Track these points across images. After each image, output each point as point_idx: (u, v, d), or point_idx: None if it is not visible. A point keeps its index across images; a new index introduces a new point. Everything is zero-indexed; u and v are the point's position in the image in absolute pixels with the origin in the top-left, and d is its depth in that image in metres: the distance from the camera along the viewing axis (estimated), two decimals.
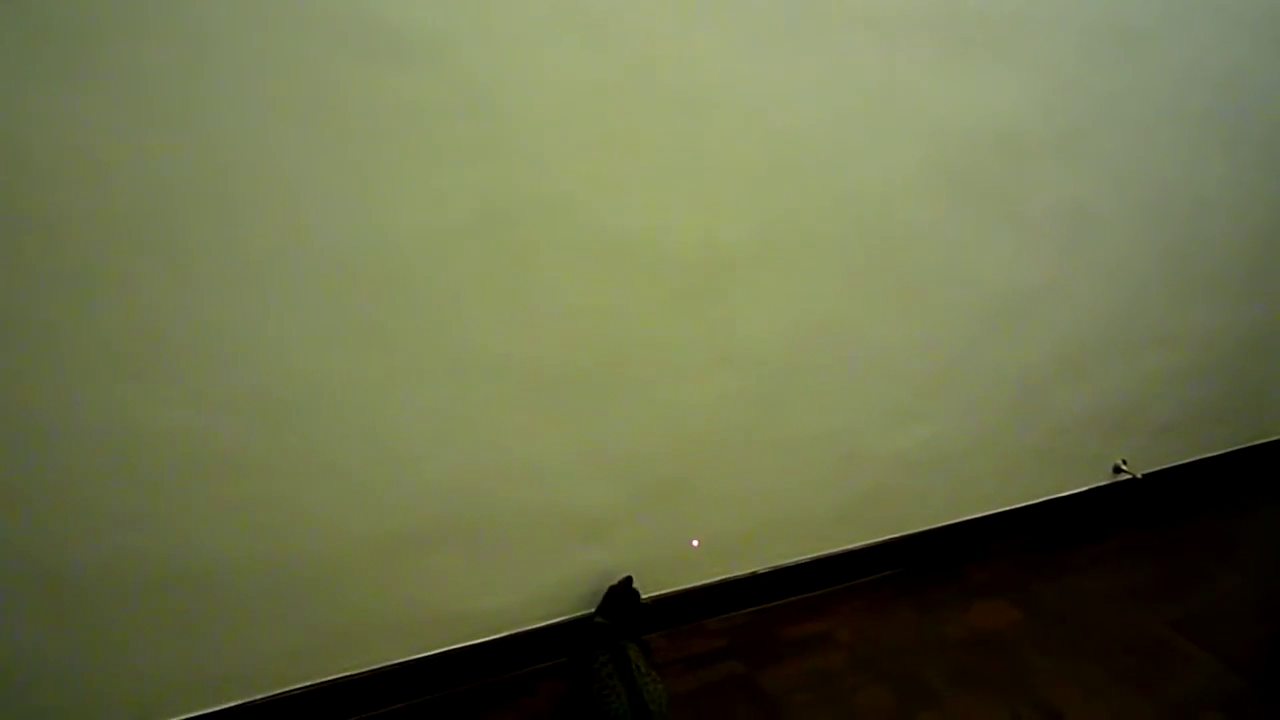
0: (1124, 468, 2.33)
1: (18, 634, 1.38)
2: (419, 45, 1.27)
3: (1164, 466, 2.43)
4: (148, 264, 1.24)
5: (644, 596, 1.82)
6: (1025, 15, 1.65)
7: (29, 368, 1.23)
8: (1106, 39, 1.75)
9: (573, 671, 1.67)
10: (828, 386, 1.83)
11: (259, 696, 1.59)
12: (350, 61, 1.24)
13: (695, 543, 1.82)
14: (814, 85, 1.54)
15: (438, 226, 1.38)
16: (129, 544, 1.39)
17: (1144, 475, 2.35)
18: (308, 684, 1.62)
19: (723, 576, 1.94)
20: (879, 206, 1.69)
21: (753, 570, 1.96)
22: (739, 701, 1.71)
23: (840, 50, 1.53)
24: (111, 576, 1.40)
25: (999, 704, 1.70)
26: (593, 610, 1.76)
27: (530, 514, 1.67)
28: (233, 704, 1.57)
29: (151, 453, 1.35)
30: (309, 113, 1.25)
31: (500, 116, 1.36)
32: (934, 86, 1.63)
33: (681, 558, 1.87)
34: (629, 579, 1.72)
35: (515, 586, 1.71)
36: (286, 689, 1.60)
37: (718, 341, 1.68)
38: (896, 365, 1.88)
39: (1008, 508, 2.24)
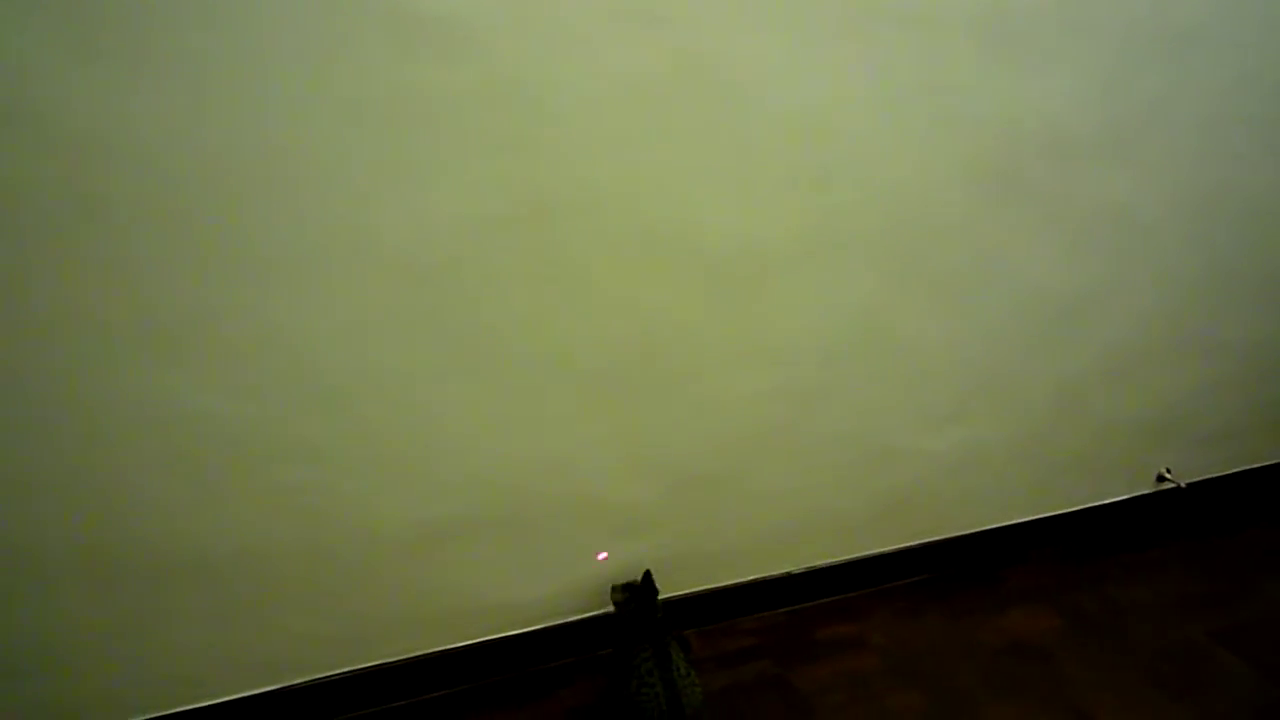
0: (1168, 476, 2.29)
1: (63, 615, 1.42)
2: (460, 37, 1.28)
3: (1209, 476, 2.39)
4: (192, 252, 1.27)
5: (679, 593, 1.83)
6: (1070, 15, 1.63)
7: (77, 353, 1.27)
8: (1155, 41, 1.72)
9: (614, 664, 1.67)
10: (864, 386, 1.82)
11: (299, 681, 1.62)
12: (393, 53, 1.25)
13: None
14: (856, 83, 1.53)
15: (477, 219, 1.40)
16: (173, 527, 1.42)
17: (1188, 485, 2.31)
18: (345, 670, 1.65)
19: (757, 576, 1.94)
20: (919, 205, 1.68)
21: (787, 570, 1.96)
22: (771, 701, 1.71)
23: (883, 48, 1.52)
24: (155, 559, 1.44)
25: (1035, 712, 1.69)
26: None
27: (567, 507, 1.68)
28: (274, 688, 1.60)
29: (195, 438, 1.38)
30: (353, 104, 1.26)
31: (541, 109, 1.37)
32: (977, 85, 1.62)
33: (715, 555, 1.87)
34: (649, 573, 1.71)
35: (552, 579, 1.73)
36: (324, 675, 1.63)
37: (755, 338, 1.68)
38: (934, 365, 1.87)
39: (1047, 514, 2.21)
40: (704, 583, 1.89)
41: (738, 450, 1.77)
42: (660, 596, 1.77)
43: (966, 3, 1.54)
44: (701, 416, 1.70)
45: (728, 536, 1.86)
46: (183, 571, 1.46)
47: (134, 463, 1.37)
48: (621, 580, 1.74)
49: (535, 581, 1.72)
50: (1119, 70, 1.72)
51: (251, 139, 1.24)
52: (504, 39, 1.30)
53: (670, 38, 1.38)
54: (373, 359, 1.43)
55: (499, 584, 1.69)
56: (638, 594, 1.66)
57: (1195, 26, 1.74)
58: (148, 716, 1.54)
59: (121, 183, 1.20)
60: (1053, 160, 1.75)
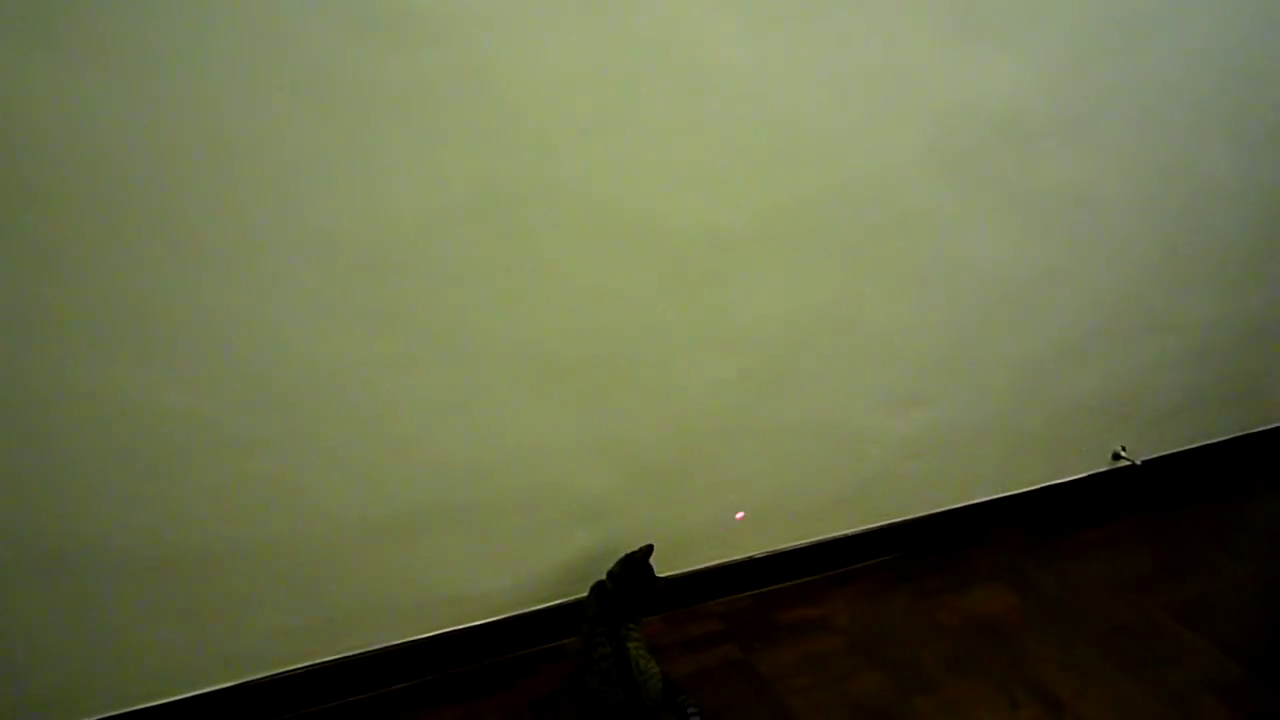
0: (1123, 454, 2.33)
1: (18, 614, 1.39)
2: (420, 25, 1.26)
3: (1164, 453, 2.43)
4: (146, 243, 1.24)
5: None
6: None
7: (27, 347, 1.24)
8: (1111, 23, 1.73)
9: (577, 652, 1.65)
10: (827, 371, 1.83)
11: (259, 676, 1.60)
12: (351, 41, 1.23)
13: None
14: (815, 67, 1.53)
15: (438, 209, 1.38)
16: (128, 523, 1.40)
17: (1143, 462, 2.35)
18: (307, 664, 1.63)
19: (720, 560, 1.95)
20: (879, 190, 1.68)
21: (750, 554, 1.97)
22: (735, 685, 1.72)
23: (841, 32, 1.52)
24: (111, 555, 1.41)
25: (996, 689, 1.71)
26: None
27: (529, 497, 1.68)
28: (233, 683, 1.58)
29: (150, 433, 1.36)
30: (309, 93, 1.24)
31: (500, 98, 1.35)
32: (935, 69, 1.62)
33: (679, 541, 1.87)
34: (649, 548, 1.68)
35: (513, 569, 1.72)
36: (286, 669, 1.62)
37: (717, 325, 1.67)
38: (896, 350, 1.88)
39: (1006, 493, 2.24)
40: (668, 568, 1.88)
41: (701, 437, 1.77)
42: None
43: None
44: (664, 404, 1.70)
45: (691, 522, 1.86)
46: (142, 567, 1.44)
47: (91, 458, 1.34)
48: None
49: (498, 571, 1.71)
50: (1076, 54, 1.73)
51: (208, 130, 1.21)
52: (463, 28, 1.28)
53: (630, 24, 1.37)
54: (332, 350, 1.41)
55: (461, 574, 1.68)
56: (633, 569, 1.65)
57: (1151, 11, 1.75)
58: (106, 714, 1.52)
59: (75, 176, 1.17)
60: (1011, 144, 1.76)
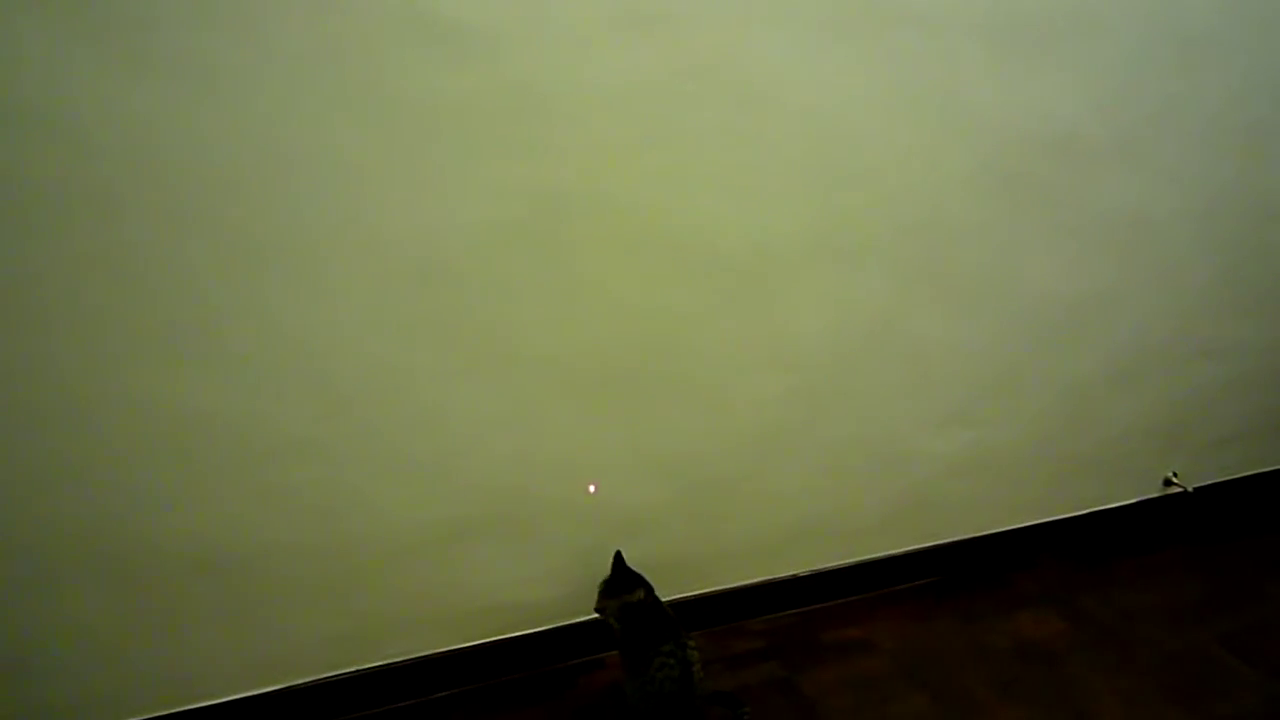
0: (1175, 480, 2.29)
1: (67, 615, 1.41)
2: (474, 41, 1.28)
3: (1216, 480, 2.38)
4: (207, 253, 1.27)
5: (686, 595, 1.85)
6: (1081, 19, 1.62)
7: (90, 351, 1.27)
8: (1166, 44, 1.72)
9: (627, 661, 1.61)
10: (875, 389, 1.82)
11: (303, 680, 1.61)
12: (406, 57, 1.25)
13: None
14: (867, 86, 1.53)
15: (490, 222, 1.40)
16: (181, 526, 1.42)
17: (1195, 488, 2.30)
18: (350, 670, 1.64)
19: (763, 578, 1.93)
20: (931, 209, 1.68)
21: (794, 572, 1.95)
22: (778, 703, 1.70)
23: (894, 51, 1.52)
24: (164, 557, 1.43)
25: (1042, 716, 1.68)
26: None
27: (576, 509, 1.68)
28: (277, 687, 1.60)
29: (205, 437, 1.38)
30: (365, 107, 1.27)
31: (553, 113, 1.36)
32: (989, 88, 1.61)
33: (722, 557, 1.87)
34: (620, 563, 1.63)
35: (560, 580, 1.72)
36: (331, 674, 1.63)
37: (766, 341, 1.67)
38: (945, 369, 1.86)
39: (1055, 517, 2.20)
40: (711, 584, 1.88)
41: (746, 453, 1.77)
42: (667, 598, 1.74)
43: (978, 6, 1.54)
44: (711, 419, 1.70)
45: (735, 538, 1.85)
46: (188, 571, 1.46)
47: (140, 461, 1.36)
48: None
49: (541, 583, 1.71)
50: (1130, 74, 1.72)
51: (263, 140, 1.24)
52: (514, 43, 1.30)
53: (680, 40, 1.38)
54: (383, 359, 1.43)
55: (505, 585, 1.69)
56: (617, 587, 1.61)
57: (1206, 30, 1.74)
58: (151, 715, 1.53)
59: (133, 183, 1.21)
60: (1063, 164, 1.74)
